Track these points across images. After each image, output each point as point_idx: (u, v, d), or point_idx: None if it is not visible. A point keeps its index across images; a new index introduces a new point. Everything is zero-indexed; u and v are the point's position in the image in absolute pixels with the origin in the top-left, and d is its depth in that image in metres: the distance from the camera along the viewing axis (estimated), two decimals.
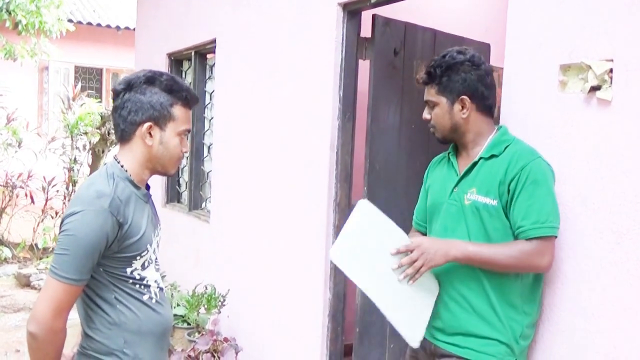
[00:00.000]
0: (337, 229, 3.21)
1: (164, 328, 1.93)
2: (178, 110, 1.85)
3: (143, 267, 1.86)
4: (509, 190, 1.98)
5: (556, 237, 1.97)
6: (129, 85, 1.84)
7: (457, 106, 2.09)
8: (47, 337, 1.69)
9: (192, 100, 1.89)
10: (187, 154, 1.94)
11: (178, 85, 1.85)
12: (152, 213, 1.97)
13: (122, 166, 1.85)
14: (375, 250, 1.99)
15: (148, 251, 1.87)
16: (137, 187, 1.86)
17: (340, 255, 2.02)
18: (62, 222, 1.74)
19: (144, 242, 1.84)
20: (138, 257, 1.83)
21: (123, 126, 1.85)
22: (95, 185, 1.76)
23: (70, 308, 1.73)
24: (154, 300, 1.89)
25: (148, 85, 1.83)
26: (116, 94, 1.86)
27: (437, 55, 2.16)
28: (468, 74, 2.08)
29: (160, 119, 1.83)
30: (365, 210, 2.07)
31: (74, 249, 1.69)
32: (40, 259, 6.93)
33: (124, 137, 1.86)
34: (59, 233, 1.73)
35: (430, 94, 2.14)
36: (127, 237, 1.77)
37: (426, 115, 2.18)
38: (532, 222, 1.93)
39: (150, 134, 1.83)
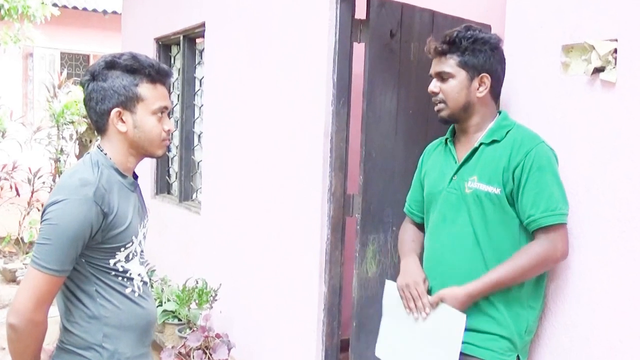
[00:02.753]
0: (332, 219, 3.20)
1: (147, 323, 1.92)
2: (145, 89, 1.82)
3: (127, 259, 1.85)
4: (513, 178, 1.96)
5: (566, 223, 1.96)
6: (92, 75, 1.82)
7: (475, 83, 2.06)
8: (27, 329, 1.69)
9: (159, 74, 1.85)
10: (172, 131, 1.91)
11: (139, 63, 1.81)
12: (140, 203, 1.96)
13: (105, 154, 1.84)
14: (409, 327, 2.12)
15: (133, 243, 1.86)
16: (123, 175, 1.86)
17: (385, 352, 2.20)
18: (44, 211, 1.73)
19: (129, 233, 1.83)
20: (122, 249, 1.82)
21: (95, 118, 1.84)
22: (79, 173, 1.75)
23: (52, 300, 1.73)
24: (136, 294, 1.89)
25: (109, 70, 1.81)
26: (83, 87, 1.85)
27: (436, 36, 2.13)
28: (492, 53, 2.06)
29: (128, 102, 1.81)
30: (390, 291, 2.22)
31: (56, 239, 1.68)
32: (27, 253, 6.91)
33: (99, 128, 1.86)
34: (41, 222, 1.72)
35: (448, 64, 2.07)
36: (112, 227, 1.76)
37: (434, 88, 2.11)
38: (542, 210, 1.92)
39: (122, 119, 1.82)
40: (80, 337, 1.79)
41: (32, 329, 1.70)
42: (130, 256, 1.86)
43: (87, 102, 1.84)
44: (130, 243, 1.85)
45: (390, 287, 2.24)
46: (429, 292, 2.14)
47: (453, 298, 1.99)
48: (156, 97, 1.84)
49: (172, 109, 5.44)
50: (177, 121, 5.21)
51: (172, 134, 1.92)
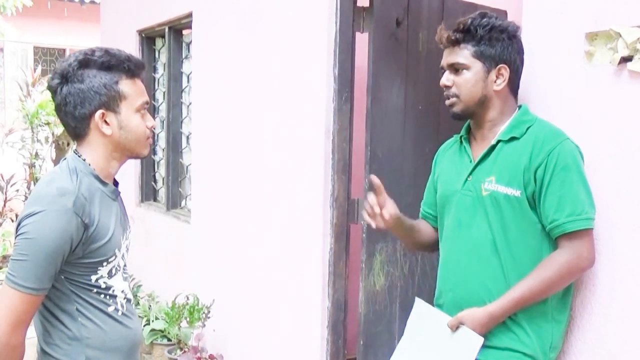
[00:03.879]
0: (336, 227, 3.20)
1: (132, 343, 1.93)
2: (126, 85, 1.83)
3: (110, 275, 1.86)
4: (535, 179, 1.96)
5: (593, 228, 1.96)
6: (64, 77, 1.81)
7: (493, 75, 2.06)
8: (3, 352, 1.69)
9: (137, 68, 1.86)
10: (154, 129, 1.92)
11: (115, 58, 1.82)
12: (122, 213, 1.97)
13: (84, 160, 1.84)
14: (427, 348, 2.14)
15: (116, 257, 1.86)
16: (103, 183, 1.86)
17: None
18: (19, 224, 1.73)
19: (111, 246, 1.83)
20: (105, 263, 1.82)
21: (74, 124, 1.83)
22: (57, 182, 1.75)
23: (30, 320, 1.73)
24: (120, 313, 1.89)
25: (83, 70, 1.80)
26: (53, 91, 1.83)
27: (445, 24, 2.13)
28: (510, 42, 2.06)
29: (111, 102, 1.81)
30: (419, 311, 2.24)
31: (33, 255, 1.68)
32: (0, 268, 6.92)
33: (78, 134, 1.85)
34: (16, 237, 1.72)
35: (462, 55, 2.06)
36: (94, 240, 1.77)
37: (446, 81, 2.10)
38: (567, 214, 1.92)
39: (106, 122, 1.82)
40: None
41: (9, 352, 1.70)
42: (113, 271, 1.87)
43: (61, 107, 1.82)
44: (113, 257, 1.85)
45: (420, 306, 2.25)
46: (443, 305, 2.14)
47: (474, 320, 1.98)
48: (137, 92, 1.85)
49: (158, 107, 5.45)
50: (164, 121, 5.22)
51: (157, 135, 1.94)
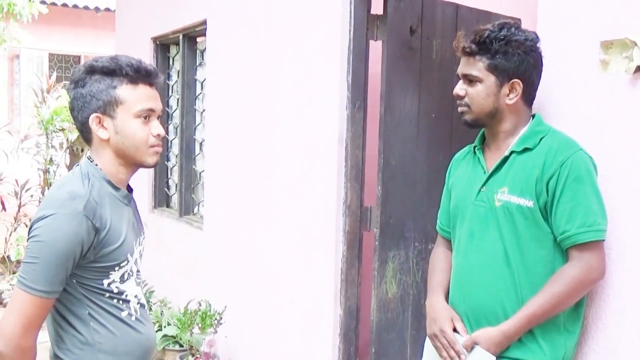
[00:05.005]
0: (348, 235, 3.19)
1: (145, 349, 1.93)
2: (125, 91, 1.82)
3: (122, 280, 1.86)
4: (547, 190, 1.95)
5: (604, 240, 1.95)
6: (74, 82, 1.85)
7: (505, 89, 2.05)
8: (14, 356, 1.69)
9: (139, 73, 1.84)
10: (162, 136, 1.91)
11: (116, 63, 1.82)
12: (135, 218, 1.97)
13: (96, 165, 1.85)
14: None
15: (128, 261, 1.86)
16: (115, 188, 1.87)
17: None
18: (30, 227, 1.74)
19: (124, 250, 1.83)
20: (117, 268, 1.83)
21: (80, 127, 1.86)
22: (68, 186, 1.76)
23: (41, 324, 1.74)
24: (133, 318, 1.89)
25: (88, 75, 1.83)
26: (68, 96, 1.88)
27: (465, 31, 2.11)
28: (527, 56, 2.04)
29: (107, 107, 1.81)
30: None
31: (44, 258, 1.68)
32: (14, 272, 6.94)
33: (86, 137, 1.88)
34: (28, 239, 1.73)
35: (476, 67, 2.05)
36: (105, 244, 1.77)
37: (459, 91, 2.10)
38: (578, 225, 1.91)
39: (102, 126, 1.83)
40: None
41: (20, 356, 1.70)
42: (126, 276, 1.87)
43: (71, 111, 1.87)
44: (125, 262, 1.85)
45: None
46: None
47: (488, 340, 1.98)
48: (138, 98, 1.83)
49: (172, 114, 5.47)
50: (177, 128, 5.24)
51: (170, 141, 1.93)
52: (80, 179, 1.79)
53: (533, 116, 2.13)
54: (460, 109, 2.12)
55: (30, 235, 1.72)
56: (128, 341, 1.87)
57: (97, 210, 1.74)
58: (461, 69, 2.11)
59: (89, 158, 1.88)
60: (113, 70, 1.81)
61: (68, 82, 1.88)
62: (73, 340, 1.80)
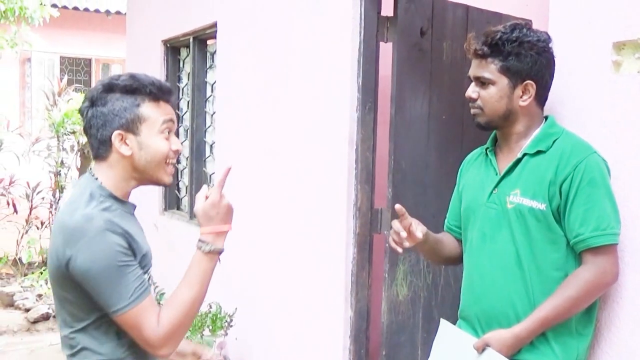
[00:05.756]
0: (359, 237, 3.19)
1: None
2: (147, 108, 1.84)
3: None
4: (561, 193, 1.94)
5: (617, 244, 1.94)
6: (91, 101, 1.85)
7: (519, 91, 2.04)
8: (171, 350, 1.79)
9: (161, 91, 1.87)
10: (179, 152, 1.93)
11: (138, 82, 1.84)
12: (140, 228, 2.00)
13: (100, 183, 1.85)
14: None
15: (149, 269, 1.90)
16: (121, 201, 1.88)
17: None
18: (67, 268, 1.73)
19: (148, 257, 1.87)
20: (146, 275, 1.85)
21: (97, 145, 1.86)
22: (79, 211, 1.76)
23: (155, 319, 1.76)
24: None
25: (107, 94, 1.84)
26: (82, 114, 1.89)
27: (476, 33, 2.09)
28: (539, 57, 2.03)
29: (130, 124, 1.83)
30: (444, 332, 2.22)
31: (107, 279, 1.71)
32: (25, 275, 6.98)
33: (100, 155, 1.88)
34: (79, 280, 1.74)
35: (488, 70, 2.04)
36: (136, 251, 1.80)
37: (472, 93, 2.09)
38: (592, 229, 1.90)
39: (125, 143, 1.84)
40: None
41: (173, 347, 1.80)
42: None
43: (87, 129, 1.87)
44: (150, 266, 1.89)
45: (445, 327, 2.24)
46: (467, 318, 2.12)
47: (500, 342, 1.96)
48: (160, 114, 1.86)
49: (182, 116, 5.48)
50: (187, 130, 5.25)
51: (180, 143, 1.93)
52: (87, 201, 1.79)
53: (546, 118, 2.12)
54: (473, 112, 2.11)
55: (75, 274, 1.72)
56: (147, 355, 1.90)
57: (114, 224, 1.75)
58: (473, 71, 2.09)
59: (90, 172, 1.89)
60: (135, 88, 1.83)
61: (83, 101, 1.89)
62: (97, 356, 1.81)
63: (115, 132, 1.82)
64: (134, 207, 1.96)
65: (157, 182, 1.92)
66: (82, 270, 1.71)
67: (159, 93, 1.86)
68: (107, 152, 1.86)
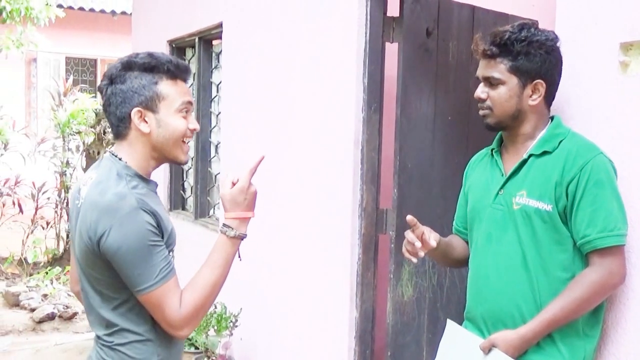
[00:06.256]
0: (364, 237, 3.19)
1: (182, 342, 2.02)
2: (166, 86, 1.87)
3: None
4: (567, 194, 1.94)
5: (624, 245, 1.93)
6: (110, 79, 1.88)
7: (528, 90, 2.03)
8: (190, 330, 1.81)
9: (179, 70, 1.89)
10: (196, 129, 1.96)
11: (156, 60, 1.87)
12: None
13: (124, 162, 1.87)
14: None
15: (173, 250, 1.93)
16: (146, 180, 1.91)
17: None
18: (99, 246, 1.75)
19: (173, 236, 1.90)
20: (170, 253, 1.87)
21: (116, 123, 1.89)
22: (110, 190, 1.78)
23: (178, 300, 1.78)
24: None
25: (126, 72, 1.86)
26: (101, 92, 1.91)
27: (482, 33, 2.08)
28: (548, 56, 2.02)
29: (149, 102, 1.85)
30: (451, 332, 2.22)
31: (141, 259, 1.73)
32: (31, 275, 6.99)
33: (120, 132, 1.90)
34: (109, 258, 1.76)
35: (498, 70, 2.03)
36: (163, 230, 1.82)
37: (481, 94, 2.08)
38: (599, 230, 1.90)
39: (144, 120, 1.86)
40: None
41: (192, 328, 1.82)
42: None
43: (106, 107, 1.90)
44: (174, 245, 1.92)
45: (451, 328, 2.23)
46: (473, 319, 2.11)
47: (506, 343, 1.96)
48: (179, 93, 1.88)
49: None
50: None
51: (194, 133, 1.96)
52: (116, 180, 1.81)
53: (551, 118, 2.11)
54: (482, 112, 2.10)
55: (106, 250, 1.74)
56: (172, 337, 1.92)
57: (145, 202, 1.78)
58: (482, 71, 2.08)
59: (112, 153, 1.90)
60: (154, 66, 1.86)
61: (102, 79, 1.91)
62: (135, 336, 1.84)
63: (135, 110, 1.85)
64: (156, 185, 1.98)
65: (173, 160, 1.94)
66: (114, 248, 1.73)
67: (176, 71, 1.88)
68: (127, 130, 1.88)
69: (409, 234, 2.06)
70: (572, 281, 1.94)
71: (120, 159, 1.88)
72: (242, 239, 1.90)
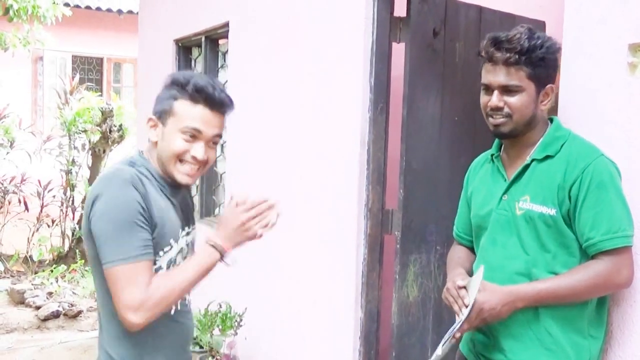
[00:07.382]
0: (369, 238, 3.19)
1: (185, 338, 2.03)
2: (182, 105, 1.89)
3: (168, 267, 1.91)
4: (570, 197, 1.93)
5: (632, 246, 1.92)
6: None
7: (541, 96, 2.04)
8: (149, 318, 1.77)
9: (201, 95, 1.87)
10: (197, 158, 1.93)
11: (186, 79, 1.90)
12: (186, 206, 2.08)
13: (145, 157, 1.96)
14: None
15: (172, 247, 1.91)
16: (160, 177, 1.94)
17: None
18: (90, 210, 1.80)
19: (167, 233, 1.89)
20: (161, 253, 1.88)
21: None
22: (114, 168, 1.87)
23: (146, 284, 1.77)
24: (172, 310, 1.95)
25: (170, 81, 1.95)
26: None
27: (489, 36, 2.05)
28: (557, 61, 2.04)
29: (162, 114, 1.92)
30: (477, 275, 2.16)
31: (117, 228, 1.75)
32: (36, 273, 7.02)
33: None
34: (91, 221, 1.79)
35: (517, 77, 1.98)
36: (151, 221, 1.83)
37: (498, 102, 2.01)
38: (603, 232, 1.89)
39: (155, 129, 1.94)
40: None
41: (151, 317, 1.78)
42: (171, 266, 1.92)
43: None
44: (169, 247, 1.90)
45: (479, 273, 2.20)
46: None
47: (492, 288, 1.95)
48: (189, 116, 1.88)
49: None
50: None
51: (205, 164, 1.96)
52: (125, 164, 1.90)
53: (551, 120, 2.11)
54: (497, 121, 2.04)
55: (93, 216, 1.78)
56: (168, 332, 1.94)
57: (140, 187, 1.81)
58: (497, 79, 2.01)
59: (140, 151, 1.99)
60: (182, 83, 1.90)
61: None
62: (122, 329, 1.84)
63: (150, 117, 1.94)
64: (173, 189, 1.98)
65: (171, 176, 1.94)
66: (98, 214, 1.77)
67: (195, 95, 1.88)
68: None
69: (462, 292, 2.03)
70: (578, 265, 1.93)
71: (142, 152, 1.97)
72: (222, 257, 1.91)
